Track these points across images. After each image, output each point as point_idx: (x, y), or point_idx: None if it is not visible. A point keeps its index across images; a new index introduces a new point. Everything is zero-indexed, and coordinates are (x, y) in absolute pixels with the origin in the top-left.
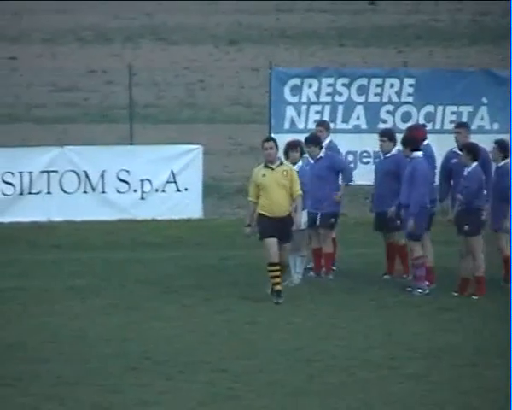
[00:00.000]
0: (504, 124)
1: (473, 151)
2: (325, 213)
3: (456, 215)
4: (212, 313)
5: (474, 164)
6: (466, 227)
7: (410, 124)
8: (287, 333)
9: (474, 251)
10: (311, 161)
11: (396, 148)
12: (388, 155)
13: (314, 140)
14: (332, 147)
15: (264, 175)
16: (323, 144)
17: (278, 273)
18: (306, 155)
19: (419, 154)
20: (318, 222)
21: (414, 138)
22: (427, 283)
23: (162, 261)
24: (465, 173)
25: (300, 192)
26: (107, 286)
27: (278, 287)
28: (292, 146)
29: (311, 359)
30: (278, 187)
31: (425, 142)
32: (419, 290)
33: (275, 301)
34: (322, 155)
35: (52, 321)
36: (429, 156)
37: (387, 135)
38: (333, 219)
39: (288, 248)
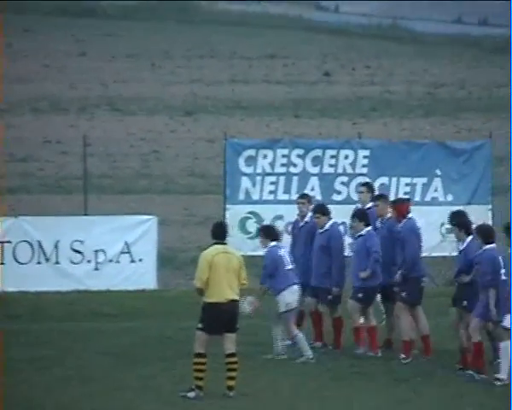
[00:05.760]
0: (458, 196)
1: (483, 233)
2: None
3: (457, 288)
4: (171, 384)
5: (488, 246)
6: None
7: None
8: (243, 403)
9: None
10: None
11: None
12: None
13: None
14: (313, 223)
15: None
16: (307, 217)
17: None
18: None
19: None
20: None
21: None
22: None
23: (119, 332)
24: (477, 254)
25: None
26: (65, 357)
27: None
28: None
29: None
30: None
31: (409, 215)
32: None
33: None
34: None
35: (9, 392)
36: (413, 230)
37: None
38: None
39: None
